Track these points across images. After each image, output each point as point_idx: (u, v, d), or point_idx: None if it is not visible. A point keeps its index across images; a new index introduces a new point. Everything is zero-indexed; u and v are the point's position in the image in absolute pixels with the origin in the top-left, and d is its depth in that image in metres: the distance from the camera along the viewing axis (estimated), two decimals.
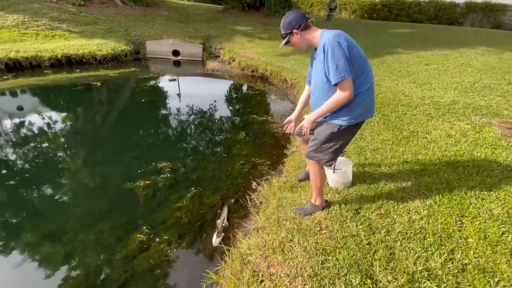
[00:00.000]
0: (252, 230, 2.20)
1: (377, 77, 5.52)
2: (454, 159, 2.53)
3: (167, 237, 2.31)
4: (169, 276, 2.04)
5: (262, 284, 1.60)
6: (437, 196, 2.08)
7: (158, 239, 2.29)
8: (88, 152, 3.69)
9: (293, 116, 2.16)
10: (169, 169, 3.17)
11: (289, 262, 1.69)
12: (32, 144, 3.76)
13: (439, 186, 2.18)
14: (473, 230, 1.75)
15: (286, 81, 6.42)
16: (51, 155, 3.59)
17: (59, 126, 4.32)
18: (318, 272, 1.59)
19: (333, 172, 2.24)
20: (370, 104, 1.76)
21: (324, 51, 1.57)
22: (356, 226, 1.89)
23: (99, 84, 6.11)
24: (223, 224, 2.41)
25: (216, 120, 4.94)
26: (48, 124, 4.31)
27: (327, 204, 2.11)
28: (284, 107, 5.47)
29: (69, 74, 6.71)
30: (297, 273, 1.61)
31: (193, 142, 4.20)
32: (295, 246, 1.79)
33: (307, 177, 2.55)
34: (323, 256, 1.69)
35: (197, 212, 2.60)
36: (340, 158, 2.29)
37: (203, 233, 2.39)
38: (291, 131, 2.23)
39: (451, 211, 1.93)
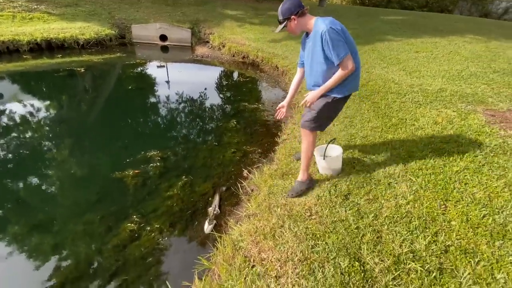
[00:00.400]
0: (244, 217, 2.21)
1: (368, 64, 5.53)
2: (440, 145, 2.59)
3: (158, 226, 2.30)
4: (161, 264, 2.04)
5: (254, 269, 1.63)
6: (423, 182, 2.14)
7: (149, 228, 2.28)
8: (74, 141, 3.58)
9: (285, 102, 2.19)
10: (159, 158, 3.12)
11: (280, 247, 1.72)
12: (15, 134, 3.61)
13: (425, 172, 2.24)
14: (456, 213, 1.82)
15: (278, 68, 6.33)
16: (35, 145, 3.46)
17: (42, 114, 4.15)
18: (308, 256, 1.63)
19: (323, 159, 2.26)
20: (358, 80, 2.06)
21: (322, 38, 1.77)
22: (345, 211, 1.94)
23: (83, 70, 5.86)
24: (215, 212, 2.42)
25: (207, 108, 4.86)
26: (31, 113, 4.13)
27: (311, 180, 2.23)
28: (276, 95, 5.42)
29: (50, 59, 6.39)
30: (288, 257, 1.64)
31: (183, 131, 4.13)
32: (285, 232, 1.82)
33: None
34: (313, 241, 1.73)
35: (188, 200, 2.59)
36: (330, 146, 2.32)
37: (195, 221, 2.39)
38: (282, 117, 2.25)
39: (436, 196, 1.99)
